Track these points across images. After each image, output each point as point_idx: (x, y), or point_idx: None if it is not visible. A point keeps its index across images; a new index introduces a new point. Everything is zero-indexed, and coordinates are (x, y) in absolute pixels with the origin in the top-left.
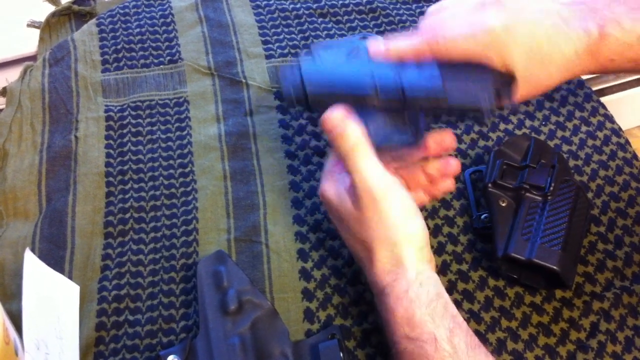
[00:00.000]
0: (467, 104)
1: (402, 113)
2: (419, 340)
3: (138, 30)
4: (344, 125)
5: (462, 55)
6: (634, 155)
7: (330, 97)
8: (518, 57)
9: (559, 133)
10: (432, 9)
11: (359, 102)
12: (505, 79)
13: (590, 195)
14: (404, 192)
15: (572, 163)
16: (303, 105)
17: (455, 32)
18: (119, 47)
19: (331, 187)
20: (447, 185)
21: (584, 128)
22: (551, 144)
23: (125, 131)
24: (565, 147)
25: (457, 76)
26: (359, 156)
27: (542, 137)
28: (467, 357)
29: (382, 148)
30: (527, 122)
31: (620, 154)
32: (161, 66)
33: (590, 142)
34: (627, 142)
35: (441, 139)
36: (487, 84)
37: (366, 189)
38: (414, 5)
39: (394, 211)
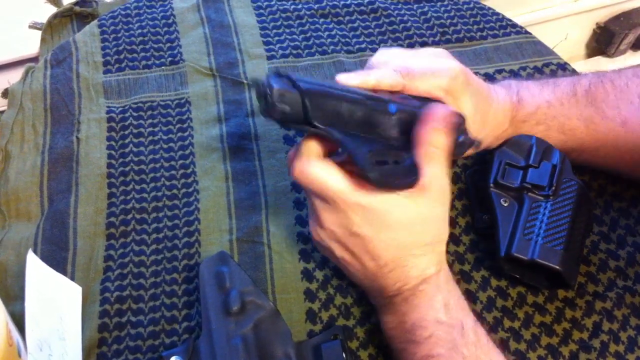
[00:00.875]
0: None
1: (396, 148)
2: (448, 325)
3: (140, 31)
4: (442, 133)
5: (427, 91)
6: None
7: (331, 103)
8: (465, 101)
9: None
10: (377, 58)
11: (367, 120)
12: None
13: (592, 194)
14: None
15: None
16: (296, 116)
17: (424, 69)
18: (120, 48)
19: (381, 197)
20: None
21: None
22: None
23: (126, 132)
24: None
25: None
26: (444, 160)
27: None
28: (487, 348)
29: (387, 185)
30: None
31: None
32: (163, 67)
33: None
34: None
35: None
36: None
37: (442, 186)
38: (415, 6)
39: (447, 210)
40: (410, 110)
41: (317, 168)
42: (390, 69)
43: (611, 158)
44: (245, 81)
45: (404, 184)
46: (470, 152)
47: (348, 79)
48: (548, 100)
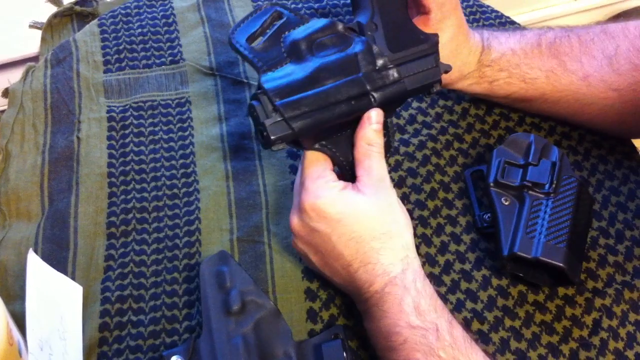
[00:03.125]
0: (422, 85)
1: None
2: (422, 329)
3: (140, 30)
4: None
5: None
6: (633, 148)
7: (321, 127)
8: (450, 26)
9: (559, 129)
10: None
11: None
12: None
13: (590, 190)
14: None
15: (572, 158)
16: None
17: None
18: (120, 47)
19: (330, 192)
20: None
21: None
22: (551, 139)
23: (127, 132)
24: (565, 143)
25: (408, 65)
26: (380, 157)
27: (543, 134)
28: (465, 349)
29: None
30: (528, 119)
31: (619, 147)
32: (163, 66)
33: (589, 137)
34: None
35: None
36: (432, 59)
37: (382, 177)
38: None
39: (401, 205)
40: (391, 92)
41: (308, 155)
42: None
43: (571, 109)
44: (245, 80)
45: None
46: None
47: None
48: (512, 48)
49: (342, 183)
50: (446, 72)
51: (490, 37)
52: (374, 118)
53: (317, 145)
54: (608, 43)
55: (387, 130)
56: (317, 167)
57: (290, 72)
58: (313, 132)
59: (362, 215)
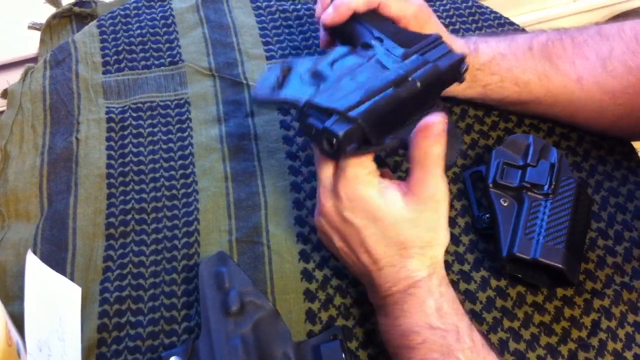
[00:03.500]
0: (452, 62)
1: None
2: (442, 330)
3: (139, 31)
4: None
5: (398, 13)
6: (632, 149)
7: (379, 116)
8: (432, 31)
9: (558, 130)
10: None
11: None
12: None
13: (589, 191)
14: None
15: (570, 159)
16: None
17: None
18: (119, 48)
19: (372, 187)
20: None
21: None
22: (550, 140)
23: (126, 133)
24: (563, 144)
25: (428, 53)
26: (436, 168)
27: (541, 134)
28: (484, 353)
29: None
30: (527, 120)
31: (619, 148)
32: (162, 67)
33: (588, 138)
34: None
35: None
36: (445, 46)
37: (429, 194)
38: None
39: (445, 216)
40: (428, 73)
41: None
42: None
43: (567, 112)
44: (244, 81)
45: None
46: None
47: (328, 16)
48: (502, 52)
49: (386, 180)
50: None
51: (478, 41)
52: (434, 128)
53: (387, 140)
54: (602, 45)
55: (451, 136)
56: (359, 157)
57: (326, 88)
58: (375, 121)
59: (403, 223)
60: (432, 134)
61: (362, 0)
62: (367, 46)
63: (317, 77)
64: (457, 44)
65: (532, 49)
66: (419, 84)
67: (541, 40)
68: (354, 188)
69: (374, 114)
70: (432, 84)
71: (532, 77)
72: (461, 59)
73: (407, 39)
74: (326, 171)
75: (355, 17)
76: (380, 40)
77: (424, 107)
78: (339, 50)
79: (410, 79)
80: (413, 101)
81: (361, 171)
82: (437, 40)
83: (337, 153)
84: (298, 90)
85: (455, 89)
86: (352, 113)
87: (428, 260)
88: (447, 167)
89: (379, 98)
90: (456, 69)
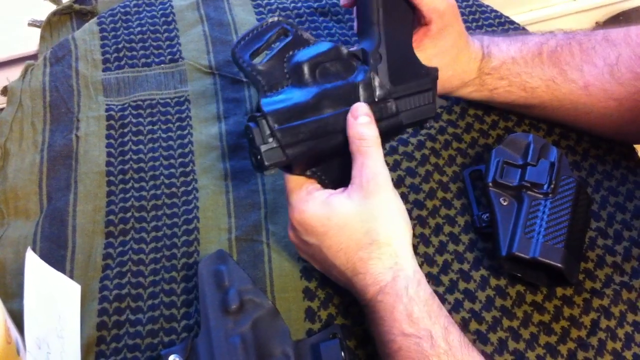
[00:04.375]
0: (417, 120)
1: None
2: (415, 337)
3: (139, 29)
4: (367, 126)
5: (427, 6)
6: (632, 149)
7: (314, 158)
8: (451, 34)
9: (557, 129)
10: None
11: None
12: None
13: (589, 190)
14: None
15: (570, 158)
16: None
17: None
18: (119, 46)
19: (313, 204)
20: None
21: None
22: (550, 140)
23: (126, 130)
24: (563, 143)
25: (407, 99)
26: (374, 151)
27: (541, 134)
28: (462, 355)
29: None
30: (527, 119)
31: (618, 148)
32: (162, 65)
33: (587, 137)
34: None
35: None
36: (430, 95)
37: (374, 176)
38: None
39: (396, 203)
40: (387, 127)
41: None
42: None
43: (570, 117)
44: (244, 79)
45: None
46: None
47: None
48: (513, 57)
49: (326, 192)
50: (442, 107)
51: (491, 45)
52: (359, 111)
53: (308, 172)
54: (610, 51)
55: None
56: (299, 179)
57: (291, 96)
58: (306, 159)
59: (347, 226)
60: (358, 117)
61: None
62: (355, 58)
63: (296, 73)
64: (474, 47)
65: (541, 54)
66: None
67: (551, 45)
68: (299, 212)
69: (310, 155)
70: (388, 133)
71: (540, 83)
72: (430, 117)
73: (404, 72)
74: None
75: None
76: (378, 57)
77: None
78: (325, 47)
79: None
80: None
81: (302, 194)
82: (429, 84)
83: (257, 169)
84: (270, 77)
85: (461, 92)
86: (290, 151)
87: (390, 260)
88: (424, 122)
89: (324, 144)
90: (420, 123)
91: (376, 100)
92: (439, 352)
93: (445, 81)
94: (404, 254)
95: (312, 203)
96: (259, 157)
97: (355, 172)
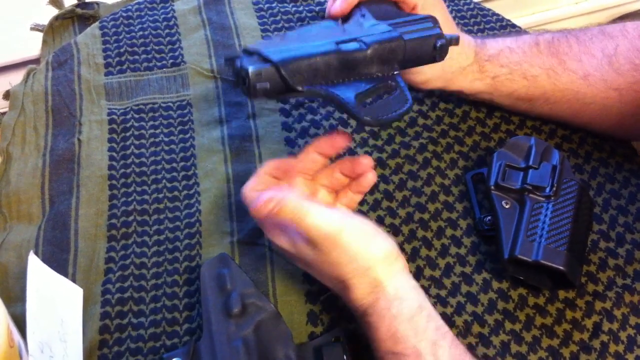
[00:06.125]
0: (421, 37)
1: (381, 79)
2: (402, 355)
3: (141, 33)
4: (278, 201)
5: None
6: (634, 152)
7: (305, 63)
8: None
9: (560, 132)
10: None
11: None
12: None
13: (591, 193)
14: (356, 218)
15: (572, 161)
16: (274, 86)
17: None
18: (122, 50)
19: (284, 241)
20: (368, 179)
21: None
22: (552, 142)
23: (128, 134)
24: (565, 146)
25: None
26: (303, 215)
27: (543, 137)
28: None
29: (384, 120)
30: (529, 122)
31: (620, 150)
32: (164, 69)
33: (590, 140)
34: None
35: (332, 140)
36: (430, 22)
37: (322, 236)
38: None
39: (356, 242)
40: (383, 39)
41: (269, 196)
42: None
43: (572, 110)
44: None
45: (398, 114)
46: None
47: (336, 7)
48: (509, 46)
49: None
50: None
51: (485, 38)
52: (257, 200)
53: (309, 88)
54: (607, 42)
55: (440, 36)
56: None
57: (273, 43)
58: (299, 68)
59: (319, 269)
60: (267, 207)
61: None
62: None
63: (282, 37)
64: (464, 36)
65: (538, 44)
66: (369, 51)
67: (546, 37)
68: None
69: (300, 62)
70: (390, 53)
71: (540, 71)
72: (437, 36)
73: (391, 16)
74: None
75: (359, 4)
76: (363, 15)
77: (374, 72)
78: (322, 23)
79: (360, 42)
80: (358, 63)
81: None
82: (425, 19)
83: (249, 91)
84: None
85: (463, 81)
86: (273, 56)
87: (368, 287)
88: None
89: (313, 51)
90: (428, 45)
91: (365, 28)
92: None
93: (446, 64)
94: (384, 273)
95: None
96: (244, 72)
97: (310, 235)
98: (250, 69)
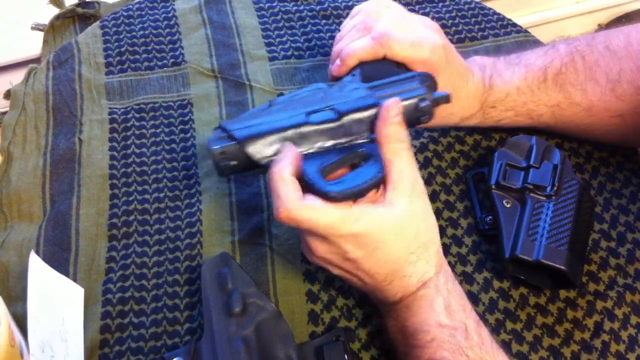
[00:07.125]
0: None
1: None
2: (451, 328)
3: (142, 32)
4: (402, 126)
5: (405, 59)
6: (635, 151)
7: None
8: (442, 78)
9: None
10: (367, 7)
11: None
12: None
13: (592, 192)
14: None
15: (573, 161)
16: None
17: (404, 39)
18: (122, 49)
19: (325, 249)
20: None
21: None
22: (553, 142)
23: (129, 134)
24: (566, 145)
25: (387, 91)
26: (410, 154)
27: (544, 136)
28: (492, 349)
29: (349, 193)
30: None
31: (621, 150)
32: (165, 69)
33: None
34: None
35: None
36: (416, 81)
37: (416, 180)
38: (416, 7)
39: (429, 203)
40: (357, 107)
41: (301, 211)
42: (369, 37)
43: (574, 134)
44: (247, 82)
45: (367, 185)
46: (432, 123)
47: (336, 68)
48: (518, 86)
49: (360, 205)
50: (443, 99)
51: (494, 75)
52: (393, 110)
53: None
54: (612, 65)
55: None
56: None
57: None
58: (264, 143)
59: (400, 234)
60: (391, 116)
61: (367, 51)
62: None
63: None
64: (473, 82)
65: (547, 80)
66: (338, 120)
67: (555, 66)
68: (349, 229)
69: (261, 136)
70: (362, 120)
71: (545, 110)
72: (420, 97)
73: (381, 76)
74: (317, 222)
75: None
76: (353, 75)
77: (344, 142)
78: (314, 85)
79: (333, 110)
80: (324, 134)
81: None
82: (411, 78)
83: (220, 171)
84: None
85: (466, 123)
86: (237, 133)
87: (434, 259)
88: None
89: (280, 125)
90: (409, 107)
91: (342, 92)
92: (472, 345)
93: (446, 118)
94: (441, 250)
95: (363, 219)
96: (211, 152)
97: (394, 177)
98: (214, 148)
